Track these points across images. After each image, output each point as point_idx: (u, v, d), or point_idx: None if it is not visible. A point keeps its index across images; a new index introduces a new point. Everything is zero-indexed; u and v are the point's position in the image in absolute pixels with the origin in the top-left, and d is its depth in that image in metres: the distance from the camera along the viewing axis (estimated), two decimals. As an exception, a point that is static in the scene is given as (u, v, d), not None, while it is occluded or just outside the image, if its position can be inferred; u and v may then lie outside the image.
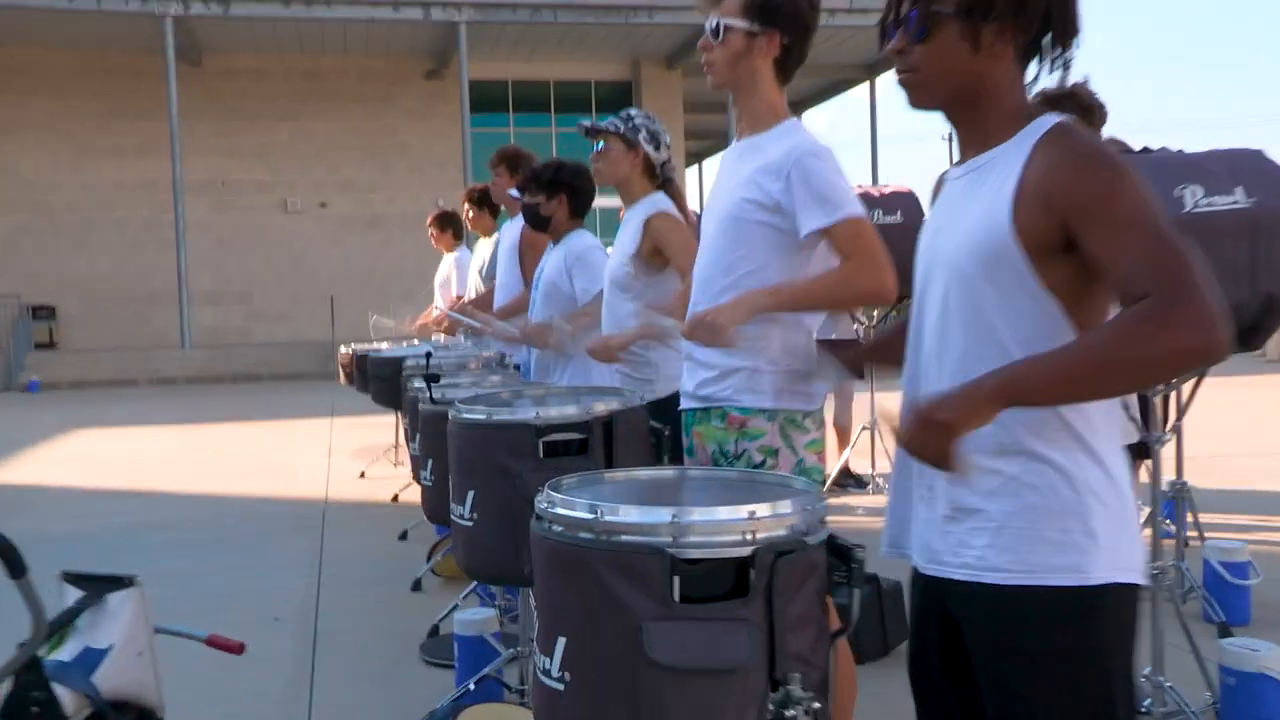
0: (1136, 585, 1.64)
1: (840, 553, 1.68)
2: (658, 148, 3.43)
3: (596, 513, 1.59)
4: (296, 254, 23.55)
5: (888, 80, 26.55)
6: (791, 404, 2.47)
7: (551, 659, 1.62)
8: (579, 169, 4.22)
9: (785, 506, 1.60)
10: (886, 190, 6.21)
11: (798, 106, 28.13)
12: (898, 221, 5.64)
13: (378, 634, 4.48)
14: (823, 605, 1.65)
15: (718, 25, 2.52)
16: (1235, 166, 2.98)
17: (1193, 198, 2.88)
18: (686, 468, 1.97)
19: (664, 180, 3.49)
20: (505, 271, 5.70)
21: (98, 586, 2.30)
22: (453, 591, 4.94)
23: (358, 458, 9.11)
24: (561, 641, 1.61)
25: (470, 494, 2.45)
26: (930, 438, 1.57)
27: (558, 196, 4.14)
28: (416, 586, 5.08)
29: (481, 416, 2.44)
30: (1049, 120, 1.65)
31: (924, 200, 5.33)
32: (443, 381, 4.10)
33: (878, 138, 28.14)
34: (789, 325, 2.49)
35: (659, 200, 3.39)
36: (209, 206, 23.00)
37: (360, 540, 6.26)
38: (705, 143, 35.04)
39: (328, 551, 5.99)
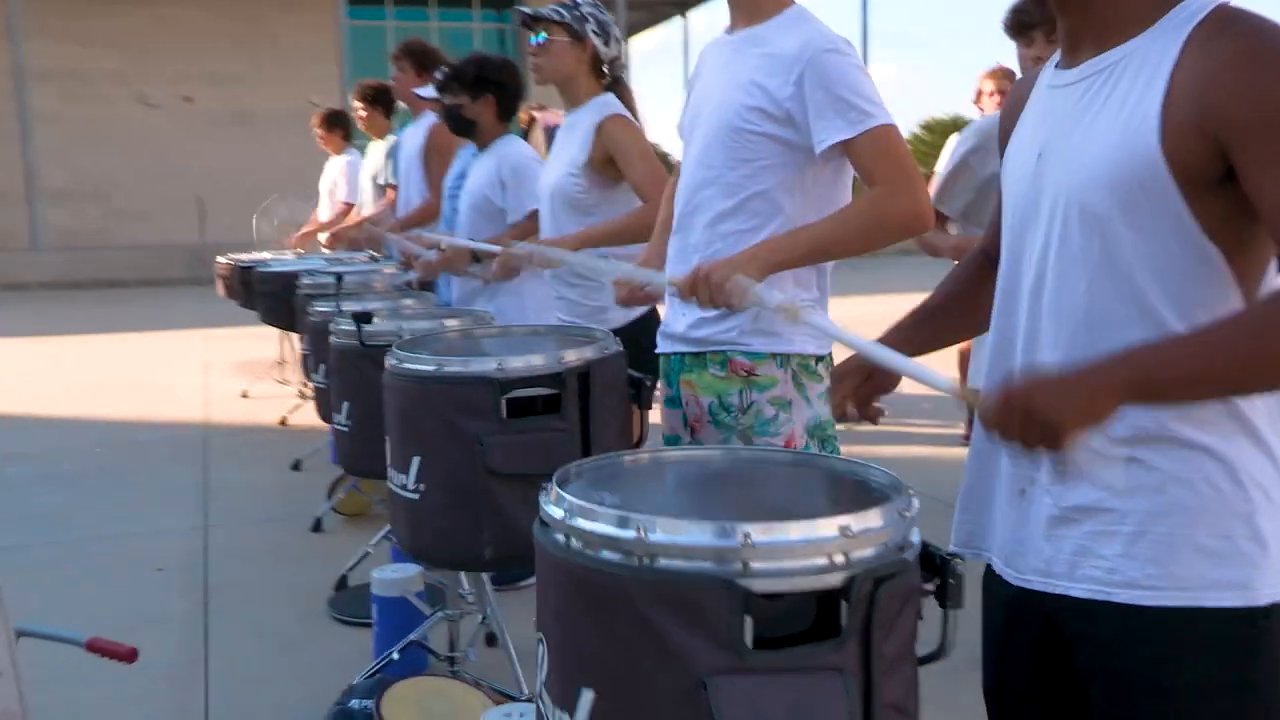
0: None
1: (934, 564, 1.32)
2: (607, 42, 2.96)
3: (636, 529, 1.19)
4: (159, 151, 22.03)
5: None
6: (805, 347, 2.09)
7: (573, 718, 1.23)
8: (506, 64, 3.72)
9: (878, 516, 1.23)
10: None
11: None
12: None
13: (278, 586, 4.02)
14: (915, 635, 1.30)
15: None
16: None
17: None
18: (734, 448, 1.57)
19: (613, 79, 3.03)
20: (408, 179, 5.17)
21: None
22: (357, 532, 4.50)
23: (238, 374, 8.46)
24: (588, 697, 1.21)
25: (415, 461, 2.02)
26: (1029, 429, 1.20)
27: (484, 97, 3.64)
28: (317, 527, 4.62)
29: (430, 368, 2.00)
30: (1204, 1, 1.26)
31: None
32: (346, 305, 3.61)
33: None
34: None
35: (610, 102, 2.94)
36: (57, 97, 21.31)
37: (248, 471, 5.72)
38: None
39: (212, 484, 5.45)
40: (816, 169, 2.03)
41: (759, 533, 1.17)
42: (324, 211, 7.56)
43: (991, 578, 1.47)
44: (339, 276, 3.80)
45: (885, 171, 1.95)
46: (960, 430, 5.74)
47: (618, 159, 2.85)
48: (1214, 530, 1.27)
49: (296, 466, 5.64)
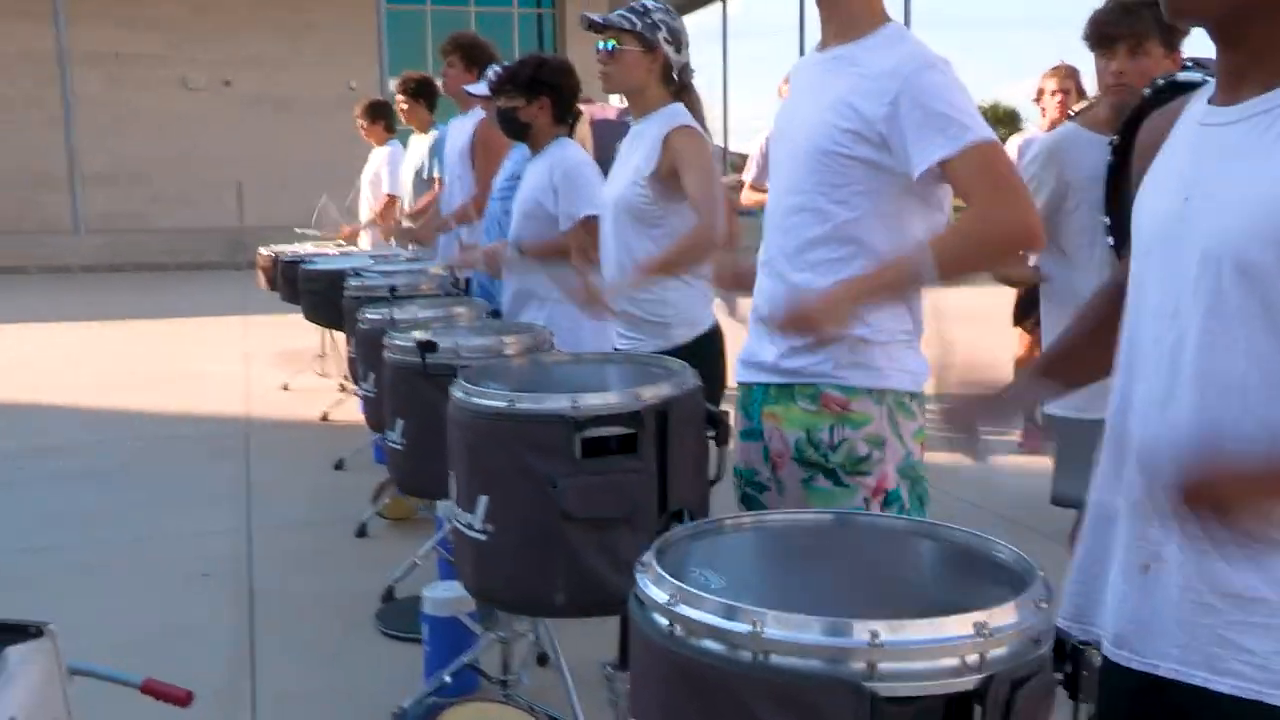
0: None
1: (1064, 652, 1.21)
2: (679, 49, 2.85)
3: (751, 623, 1.09)
4: (198, 135, 22.09)
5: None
6: (902, 383, 1.98)
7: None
8: (563, 66, 3.61)
9: (1014, 611, 1.12)
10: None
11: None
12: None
13: (324, 595, 3.96)
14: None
15: None
16: None
17: None
18: (846, 513, 1.46)
19: (681, 86, 2.92)
20: (455, 175, 5.08)
21: (-8, 637, 1.73)
22: (402, 537, 4.44)
23: (278, 365, 8.43)
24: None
25: (483, 501, 1.92)
26: (1235, 504, 1.09)
27: (539, 100, 3.53)
28: (362, 532, 4.55)
29: (501, 404, 1.90)
30: None
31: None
32: (398, 313, 3.52)
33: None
34: None
35: (679, 113, 2.82)
36: (100, 81, 21.40)
37: (290, 469, 5.67)
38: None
39: (254, 483, 5.40)
40: (911, 199, 1.91)
41: (886, 631, 1.06)
42: (364, 202, 7.49)
43: (1110, 667, 1.35)
44: (393, 289, 3.70)
45: (989, 186, 1.83)
46: (1015, 437, 5.60)
47: (680, 169, 2.74)
48: None
49: (340, 465, 5.58)
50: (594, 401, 1.87)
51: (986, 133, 1.85)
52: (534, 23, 25.79)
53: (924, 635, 1.07)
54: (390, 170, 7.13)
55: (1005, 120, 32.54)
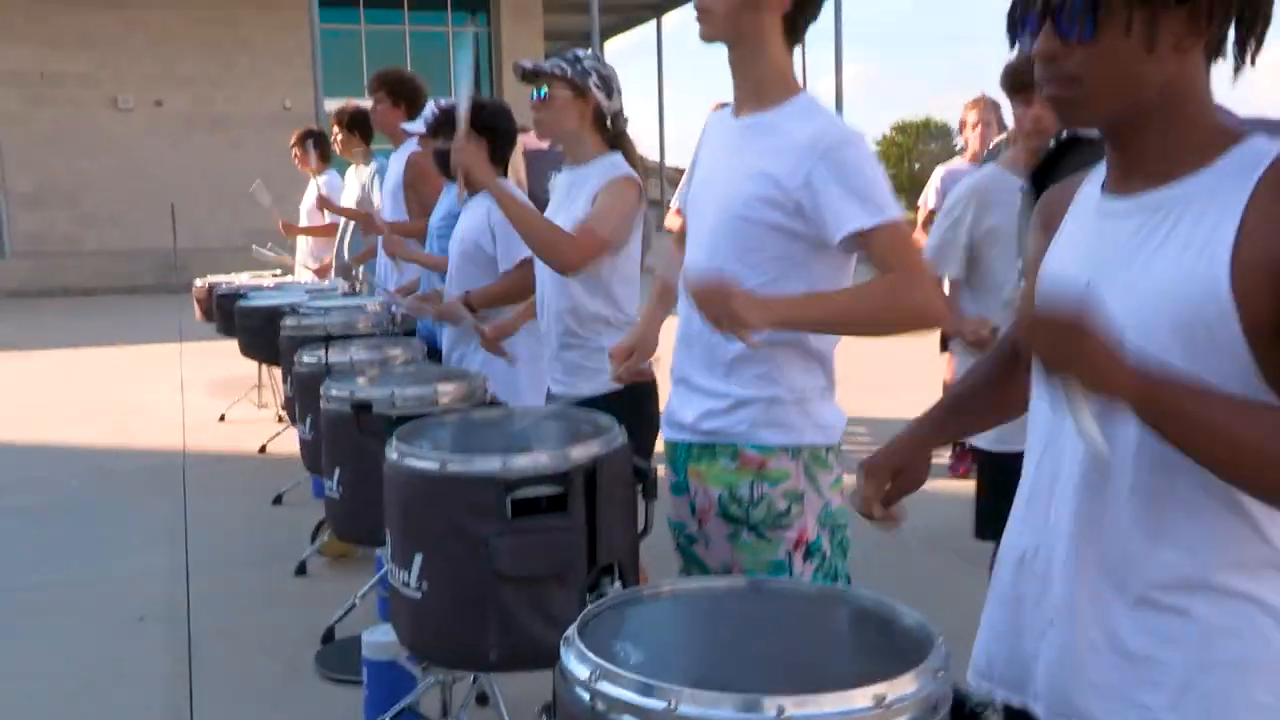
0: None
1: (963, 713, 1.30)
2: (610, 95, 2.93)
3: (667, 699, 1.16)
4: (130, 155, 21.77)
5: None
6: (815, 438, 2.07)
7: None
8: (500, 109, 3.68)
9: (913, 681, 1.20)
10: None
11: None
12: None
13: (263, 636, 3.96)
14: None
15: None
16: None
17: None
18: (759, 580, 1.54)
19: (616, 133, 2.99)
20: (392, 213, 5.11)
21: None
22: (342, 575, 4.45)
23: (215, 394, 8.36)
24: None
25: (418, 559, 1.97)
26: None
27: (477, 142, 3.58)
28: (301, 570, 4.55)
29: (433, 465, 1.96)
30: (1268, 147, 1.23)
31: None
32: (335, 355, 3.56)
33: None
34: (813, 342, 2.07)
35: (618, 164, 2.90)
36: (26, 100, 21.03)
37: (228, 504, 5.64)
38: (564, 44, 33.88)
39: (192, 520, 5.36)
40: (819, 264, 2.01)
41: (792, 706, 1.14)
42: (301, 241, 7.45)
43: (1006, 711, 1.44)
44: (328, 336, 3.73)
45: (901, 265, 1.93)
46: (946, 460, 5.74)
47: (597, 201, 2.83)
48: (1269, 687, 1.24)
49: (278, 500, 5.56)
50: (523, 463, 1.94)
51: (898, 213, 1.96)
52: (469, 41, 25.76)
53: (827, 709, 1.15)
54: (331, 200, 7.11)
55: (939, 134, 33.04)
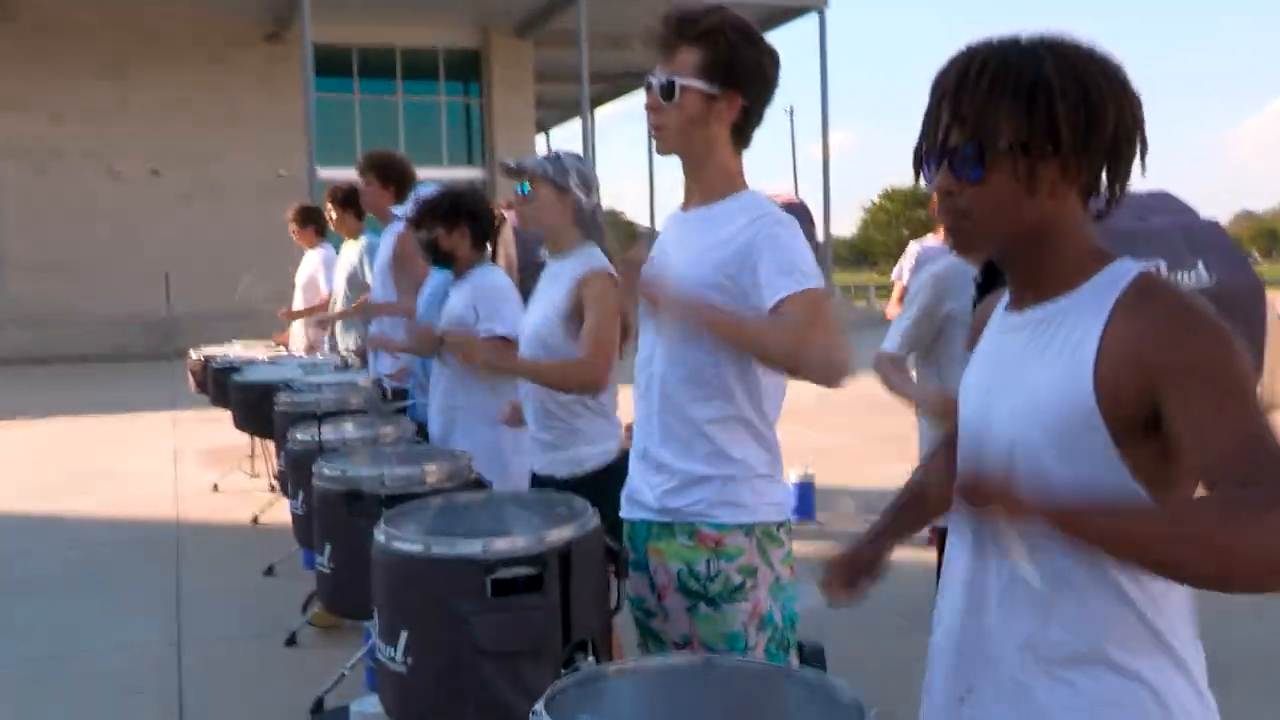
0: None
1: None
2: (589, 192, 3.11)
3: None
4: (127, 225, 22.07)
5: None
6: (768, 515, 2.23)
7: None
8: (477, 195, 3.87)
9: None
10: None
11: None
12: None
13: (255, 708, 4.06)
14: None
15: (670, 85, 2.22)
16: (1192, 239, 2.85)
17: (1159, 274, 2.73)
18: (712, 656, 1.68)
19: (593, 226, 3.18)
20: (381, 290, 5.29)
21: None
22: (332, 645, 4.55)
23: (208, 464, 8.49)
24: None
25: (404, 635, 2.11)
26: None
27: (458, 229, 3.78)
28: (292, 641, 4.66)
29: (417, 549, 2.10)
30: (1128, 269, 1.41)
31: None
32: (328, 433, 3.71)
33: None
34: (760, 423, 2.24)
35: (595, 256, 3.07)
36: (27, 170, 21.35)
37: (221, 575, 5.75)
38: (555, 112, 34.46)
39: (185, 592, 5.47)
40: None
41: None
42: (299, 305, 7.64)
43: None
44: (320, 416, 3.88)
45: (820, 323, 2.13)
46: (925, 533, 5.86)
47: (584, 310, 2.98)
48: None
49: (270, 571, 5.68)
50: (502, 545, 2.08)
51: (820, 283, 2.17)
52: (462, 111, 26.23)
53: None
54: (325, 272, 7.31)
55: (924, 201, 33.55)
